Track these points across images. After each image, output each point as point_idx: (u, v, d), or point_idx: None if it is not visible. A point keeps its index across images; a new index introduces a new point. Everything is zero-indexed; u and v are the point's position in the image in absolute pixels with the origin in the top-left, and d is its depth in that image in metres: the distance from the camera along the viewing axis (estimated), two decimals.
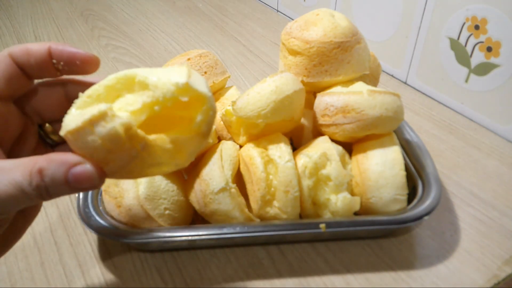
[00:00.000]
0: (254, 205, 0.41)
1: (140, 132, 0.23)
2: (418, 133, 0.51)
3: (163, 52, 0.80)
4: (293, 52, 0.45)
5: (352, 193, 0.42)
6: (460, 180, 0.51)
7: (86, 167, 0.24)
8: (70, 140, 0.23)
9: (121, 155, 0.23)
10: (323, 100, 0.43)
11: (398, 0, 0.66)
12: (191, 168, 0.44)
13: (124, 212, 0.40)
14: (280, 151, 0.40)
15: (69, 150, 0.25)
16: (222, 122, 0.46)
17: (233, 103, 0.41)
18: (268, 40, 0.84)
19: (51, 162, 0.24)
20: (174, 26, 0.90)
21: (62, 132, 0.23)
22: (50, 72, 0.28)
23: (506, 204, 0.48)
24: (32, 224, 0.32)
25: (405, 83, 0.70)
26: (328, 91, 0.44)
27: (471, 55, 0.58)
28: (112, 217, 0.41)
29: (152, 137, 0.24)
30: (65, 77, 0.30)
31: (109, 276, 0.41)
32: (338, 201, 0.40)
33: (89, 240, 0.44)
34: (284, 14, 0.93)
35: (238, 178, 0.43)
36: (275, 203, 0.40)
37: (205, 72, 0.48)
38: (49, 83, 0.30)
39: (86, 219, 0.40)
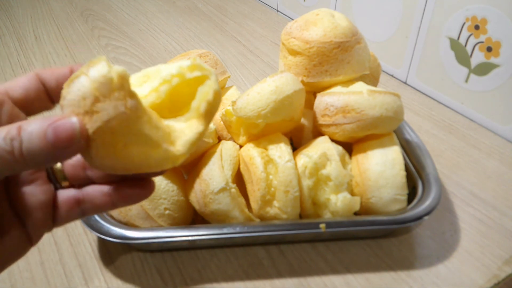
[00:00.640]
0: (254, 205, 0.41)
1: (134, 91, 0.23)
2: (418, 133, 0.51)
3: (163, 52, 0.80)
4: (293, 52, 0.45)
5: (352, 193, 0.42)
6: (460, 180, 0.51)
7: (68, 120, 0.22)
8: (63, 97, 0.23)
9: (108, 105, 0.22)
10: (323, 100, 0.43)
11: (398, 0, 0.66)
12: (191, 168, 0.44)
13: (124, 212, 0.40)
14: (280, 151, 0.40)
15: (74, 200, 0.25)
16: (222, 122, 0.46)
17: (233, 103, 0.41)
18: (268, 40, 0.84)
19: (34, 120, 0.22)
20: (174, 26, 0.90)
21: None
22: None
23: (506, 204, 0.48)
24: None
25: (405, 83, 0.70)
26: (328, 91, 0.44)
27: (471, 55, 0.58)
28: (112, 217, 0.41)
29: (146, 105, 0.24)
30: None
31: (109, 276, 0.41)
32: (338, 201, 0.40)
33: (89, 240, 0.44)
34: (284, 14, 0.93)
35: (238, 178, 0.43)
36: (275, 203, 0.40)
37: None
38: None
39: (86, 219, 0.39)
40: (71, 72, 0.27)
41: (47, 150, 0.22)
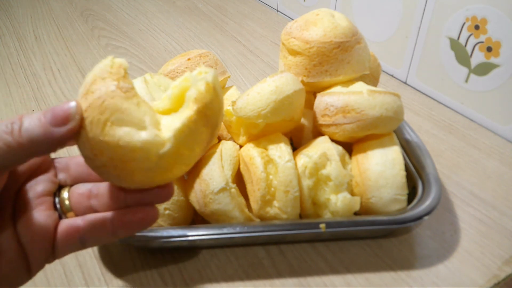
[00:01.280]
0: (254, 205, 0.41)
1: (129, 80, 0.25)
2: (418, 133, 0.51)
3: (163, 52, 0.80)
4: (293, 52, 0.45)
5: (352, 193, 0.42)
6: (460, 180, 0.51)
7: (66, 103, 0.23)
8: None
9: (102, 85, 0.24)
10: (323, 100, 0.43)
11: (398, 0, 0.66)
12: (191, 168, 0.44)
13: None
14: (280, 151, 0.40)
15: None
16: (222, 122, 0.46)
17: (233, 103, 0.41)
18: (268, 40, 0.84)
19: (37, 113, 0.23)
20: (174, 26, 0.90)
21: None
22: None
23: (506, 204, 0.48)
24: None
25: (405, 83, 0.70)
26: (328, 91, 0.44)
27: (471, 55, 0.58)
28: None
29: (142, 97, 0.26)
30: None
31: (109, 276, 0.41)
32: (338, 201, 0.40)
33: None
34: (284, 14, 0.93)
35: (238, 178, 0.43)
36: (275, 203, 0.40)
37: None
38: None
39: None
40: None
41: (45, 128, 0.23)
